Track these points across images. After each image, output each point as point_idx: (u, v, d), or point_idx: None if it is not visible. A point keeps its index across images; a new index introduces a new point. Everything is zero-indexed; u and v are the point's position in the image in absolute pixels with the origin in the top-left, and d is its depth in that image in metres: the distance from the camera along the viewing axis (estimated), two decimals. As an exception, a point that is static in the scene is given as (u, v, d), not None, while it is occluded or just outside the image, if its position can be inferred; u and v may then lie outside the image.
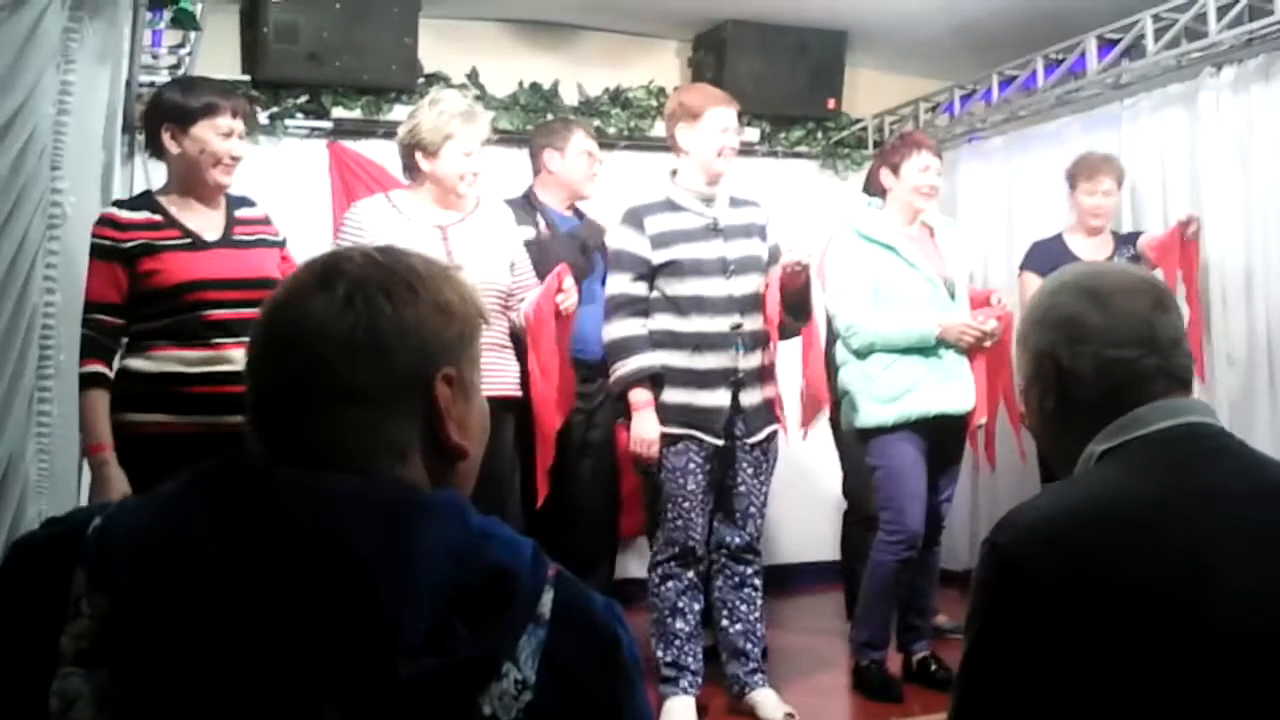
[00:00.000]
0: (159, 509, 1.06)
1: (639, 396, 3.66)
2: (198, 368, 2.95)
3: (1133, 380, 1.51)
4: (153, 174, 4.55)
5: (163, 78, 4.29)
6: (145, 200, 3.07)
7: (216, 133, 3.01)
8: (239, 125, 3.07)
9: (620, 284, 3.72)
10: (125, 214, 2.99)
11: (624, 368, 3.67)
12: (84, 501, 2.84)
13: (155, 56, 4.09)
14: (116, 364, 2.99)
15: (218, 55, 4.56)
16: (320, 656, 0.98)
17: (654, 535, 3.80)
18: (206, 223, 3.08)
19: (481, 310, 1.23)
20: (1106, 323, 1.53)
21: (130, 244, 2.95)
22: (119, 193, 3.62)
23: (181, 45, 3.99)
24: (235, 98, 3.13)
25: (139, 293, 2.96)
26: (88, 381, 2.82)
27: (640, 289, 3.70)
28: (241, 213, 3.18)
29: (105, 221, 2.95)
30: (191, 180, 3.06)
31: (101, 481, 2.84)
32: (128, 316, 2.97)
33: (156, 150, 3.09)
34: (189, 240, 3.02)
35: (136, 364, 2.98)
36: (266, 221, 3.25)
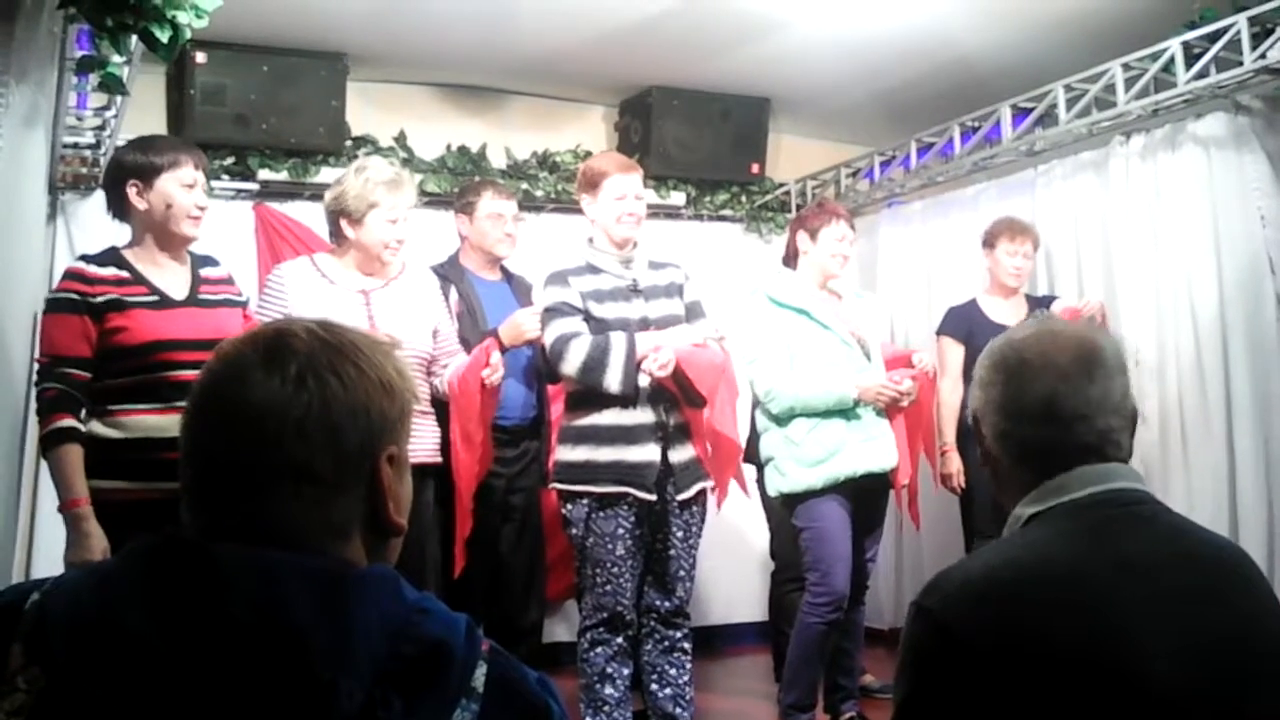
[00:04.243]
0: (98, 583, 1.06)
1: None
2: (166, 433, 2.87)
3: (1030, 454, 1.54)
4: (75, 236, 4.55)
5: (87, 139, 4.26)
6: (112, 256, 3.03)
7: (180, 184, 3.02)
8: (200, 177, 3.09)
9: (565, 325, 3.66)
10: (93, 268, 2.97)
11: (613, 365, 3.58)
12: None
13: (80, 118, 4.06)
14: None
15: (143, 117, 4.52)
16: None
17: (583, 600, 3.78)
18: (173, 280, 3.06)
19: (414, 387, 1.24)
20: (1004, 398, 1.56)
21: (99, 298, 2.92)
22: (40, 253, 3.57)
23: (107, 108, 3.96)
24: (195, 152, 3.14)
25: (104, 349, 2.92)
26: (61, 436, 2.80)
27: (584, 326, 3.65)
28: (206, 271, 3.17)
29: (73, 275, 2.94)
30: (159, 235, 3.05)
31: (81, 537, 2.77)
32: (94, 372, 2.92)
33: (120, 210, 3.08)
34: (156, 298, 3.00)
35: (102, 430, 2.93)
36: (230, 281, 3.24)
